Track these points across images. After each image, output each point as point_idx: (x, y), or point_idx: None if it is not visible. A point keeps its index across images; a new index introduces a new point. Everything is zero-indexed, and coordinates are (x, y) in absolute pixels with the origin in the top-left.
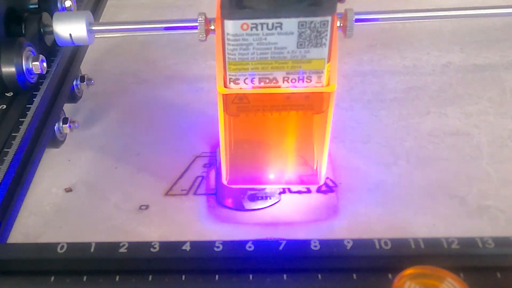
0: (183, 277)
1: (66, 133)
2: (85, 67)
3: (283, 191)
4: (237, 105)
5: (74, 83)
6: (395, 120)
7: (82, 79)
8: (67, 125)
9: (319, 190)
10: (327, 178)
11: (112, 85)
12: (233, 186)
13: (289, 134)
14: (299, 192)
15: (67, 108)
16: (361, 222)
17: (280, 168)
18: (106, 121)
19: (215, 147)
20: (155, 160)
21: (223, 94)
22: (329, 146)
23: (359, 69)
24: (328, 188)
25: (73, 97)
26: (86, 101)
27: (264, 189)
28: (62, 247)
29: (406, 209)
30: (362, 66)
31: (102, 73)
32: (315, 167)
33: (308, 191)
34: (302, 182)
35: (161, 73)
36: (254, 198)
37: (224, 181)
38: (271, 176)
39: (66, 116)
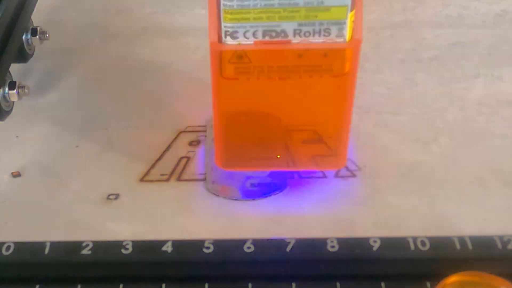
0: (163, 286)
1: (13, 102)
2: (37, 17)
3: (291, 176)
4: (235, 65)
5: (24, 37)
6: (435, 85)
7: (34, 32)
8: (15, 91)
9: (337, 175)
10: (348, 159)
11: (72, 40)
12: (230, 170)
13: (302, 103)
14: (311, 177)
15: (15, 69)
16: (391, 215)
17: (289, 147)
18: (65, 86)
19: (205, 120)
20: (127, 136)
21: (217, 51)
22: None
23: (389, 20)
24: (349, 172)
25: (22, 56)
26: (39, 60)
27: (267, 173)
28: (7, 248)
29: (449, 199)
30: (393, 16)
31: (60, 24)
32: (334, 147)
33: (324, 176)
34: (317, 165)
35: (135, 25)
36: (254, 184)
37: (218, 163)
38: (278, 157)
39: (13, 80)
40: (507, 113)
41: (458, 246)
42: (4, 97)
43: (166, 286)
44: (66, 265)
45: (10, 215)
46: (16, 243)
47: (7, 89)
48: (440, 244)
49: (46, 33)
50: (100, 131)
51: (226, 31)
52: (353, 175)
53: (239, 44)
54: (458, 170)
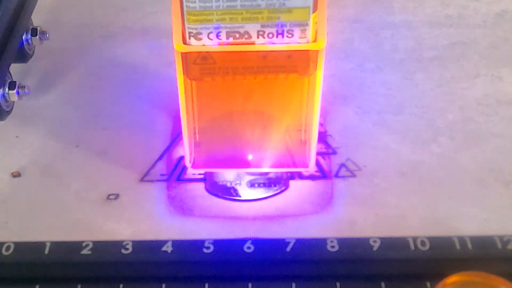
0: (163, 286)
1: (13, 102)
2: (37, 17)
3: (292, 176)
4: (200, 66)
5: (24, 37)
6: (435, 85)
7: (34, 32)
8: (15, 91)
9: (337, 175)
10: (348, 159)
11: (72, 40)
12: (198, 170)
13: (269, 103)
14: (311, 177)
15: (15, 69)
16: (391, 215)
17: (258, 147)
18: (65, 86)
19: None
20: (127, 136)
21: (181, 53)
22: (351, 119)
23: (389, 20)
24: (349, 172)
25: (22, 56)
26: (38, 60)
27: (267, 173)
28: (8, 248)
29: (449, 199)
30: (393, 16)
31: (60, 25)
32: (301, 148)
33: (323, 176)
34: (286, 165)
35: (134, 25)
36: (254, 184)
37: (188, 163)
38: (248, 157)
39: (13, 80)
40: (507, 113)
41: (458, 246)
42: (4, 97)
43: (166, 286)
44: (66, 265)
45: (10, 215)
46: (16, 243)
47: (7, 89)
48: (440, 244)
49: (46, 33)
50: (100, 131)
51: (190, 33)
52: (353, 175)
53: (203, 45)
54: (458, 170)
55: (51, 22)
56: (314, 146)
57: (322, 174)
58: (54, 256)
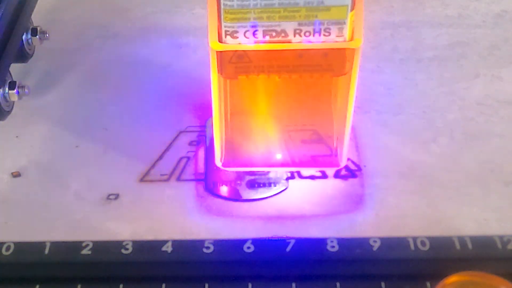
0: (163, 286)
1: (14, 101)
2: (37, 17)
3: (292, 176)
4: (235, 65)
5: (24, 37)
6: (435, 85)
7: (34, 32)
8: (15, 91)
9: (337, 175)
10: (348, 159)
11: (72, 40)
12: (229, 169)
13: (302, 102)
14: (311, 177)
15: (15, 69)
16: (391, 215)
17: (288, 146)
18: (65, 86)
19: (205, 120)
20: (127, 136)
21: (217, 52)
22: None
23: (389, 20)
24: (349, 172)
25: (23, 55)
26: (39, 60)
27: (267, 173)
28: (8, 248)
29: (449, 199)
30: (393, 16)
31: (60, 24)
32: (334, 145)
33: (324, 176)
34: (317, 164)
35: (135, 25)
36: (254, 184)
37: (218, 162)
38: (278, 157)
39: (14, 80)
40: (507, 113)
41: (458, 246)
42: (4, 97)
43: (166, 286)
44: (66, 265)
45: (10, 215)
46: (16, 243)
47: (7, 89)
48: (440, 244)
49: (46, 33)
50: (100, 131)
51: (226, 31)
52: (353, 175)
53: (240, 44)
54: (458, 170)
55: (51, 22)
56: (346, 144)
57: (322, 174)
58: (54, 256)
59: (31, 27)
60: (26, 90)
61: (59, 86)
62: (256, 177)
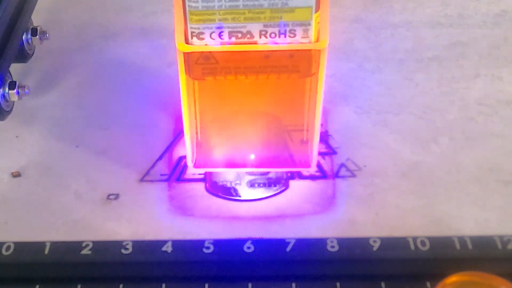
0: (163, 286)
1: (13, 102)
2: (37, 17)
3: (292, 176)
4: (202, 66)
5: (24, 37)
6: (435, 85)
7: (34, 32)
8: (15, 91)
9: (337, 175)
10: (348, 159)
11: (72, 40)
12: (200, 170)
13: (271, 103)
14: (311, 177)
15: (15, 69)
16: (391, 215)
17: (259, 147)
18: (65, 86)
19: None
20: (127, 136)
21: (184, 53)
22: (351, 119)
23: (389, 20)
24: (349, 172)
25: (23, 55)
26: (38, 60)
27: (267, 173)
28: (8, 248)
29: (448, 199)
30: (393, 16)
31: (60, 24)
32: (304, 146)
33: (324, 176)
34: (287, 165)
35: (135, 25)
36: (254, 184)
37: (190, 163)
38: (250, 157)
39: (13, 80)
40: (507, 113)
41: (458, 246)
42: (4, 97)
43: (166, 286)
44: (66, 265)
45: (10, 215)
46: (16, 243)
47: (7, 89)
48: (440, 244)
49: (46, 33)
50: (100, 131)
51: (192, 32)
52: (353, 175)
53: (206, 45)
54: (458, 170)
55: (51, 22)
56: (316, 146)
57: (322, 174)
58: (54, 256)
59: (31, 27)
60: (26, 90)
61: (59, 86)
62: (256, 177)
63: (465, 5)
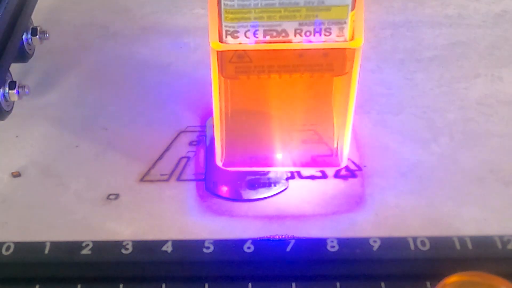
0: (163, 286)
1: (14, 101)
2: (37, 17)
3: (292, 176)
4: (235, 65)
5: (24, 37)
6: (435, 85)
7: (34, 32)
8: (15, 90)
9: (337, 175)
10: (348, 159)
11: (72, 40)
12: (230, 169)
13: (302, 102)
14: (311, 177)
15: (15, 69)
16: (391, 215)
17: (289, 146)
18: (65, 86)
19: (205, 120)
20: (127, 136)
21: (218, 51)
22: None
23: (389, 20)
24: (350, 172)
25: (23, 55)
26: (39, 60)
27: (267, 173)
28: (8, 248)
29: (448, 199)
30: (393, 16)
31: (60, 24)
32: (334, 145)
33: (324, 176)
34: (317, 164)
35: (135, 25)
36: (254, 184)
37: (219, 162)
38: (278, 157)
39: (13, 80)
40: (507, 113)
41: (458, 246)
42: (4, 96)
43: (166, 286)
44: (66, 265)
45: (10, 215)
46: (16, 243)
47: (7, 88)
48: (440, 244)
49: (46, 33)
50: (100, 131)
51: (227, 31)
52: (354, 175)
53: (240, 43)
54: (458, 170)
55: (51, 22)
56: (347, 143)
57: (322, 174)
58: (54, 256)
59: (31, 27)
60: (26, 90)
61: (59, 86)
62: (256, 177)
63: (465, 5)
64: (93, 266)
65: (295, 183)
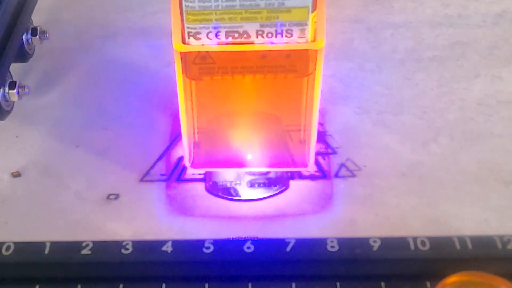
0: (163, 286)
1: (14, 101)
2: (37, 17)
3: (292, 176)
4: (199, 66)
5: (24, 37)
6: (435, 85)
7: (34, 32)
8: (15, 90)
9: (337, 175)
10: (348, 159)
11: (72, 40)
12: (198, 170)
13: (267, 104)
14: (311, 177)
15: (15, 69)
16: (391, 215)
17: (256, 147)
18: (65, 86)
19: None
20: (127, 136)
21: (180, 53)
22: (351, 119)
23: (389, 20)
24: (349, 172)
25: (23, 55)
26: (39, 60)
27: (267, 173)
28: (8, 248)
29: (448, 199)
30: (393, 16)
31: (60, 24)
32: (303, 147)
33: (324, 176)
34: (284, 165)
35: (135, 25)
36: (254, 184)
37: (187, 163)
38: (247, 157)
39: (14, 80)
40: (507, 113)
41: (458, 246)
42: (4, 96)
43: (166, 286)
44: (66, 265)
45: (10, 215)
46: (16, 243)
47: (7, 88)
48: (440, 244)
49: (46, 33)
50: (100, 131)
51: (189, 32)
52: (353, 175)
53: (203, 45)
54: (458, 170)
55: (51, 22)
56: (313, 146)
57: (322, 174)
58: (54, 256)
59: (31, 27)
60: (26, 90)
61: (59, 86)
62: (256, 177)
63: (465, 5)
64: (93, 266)
65: (295, 183)
